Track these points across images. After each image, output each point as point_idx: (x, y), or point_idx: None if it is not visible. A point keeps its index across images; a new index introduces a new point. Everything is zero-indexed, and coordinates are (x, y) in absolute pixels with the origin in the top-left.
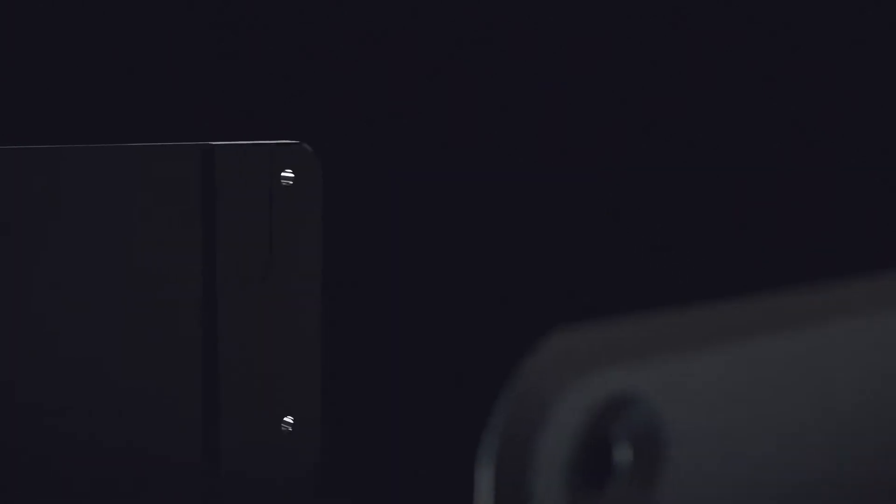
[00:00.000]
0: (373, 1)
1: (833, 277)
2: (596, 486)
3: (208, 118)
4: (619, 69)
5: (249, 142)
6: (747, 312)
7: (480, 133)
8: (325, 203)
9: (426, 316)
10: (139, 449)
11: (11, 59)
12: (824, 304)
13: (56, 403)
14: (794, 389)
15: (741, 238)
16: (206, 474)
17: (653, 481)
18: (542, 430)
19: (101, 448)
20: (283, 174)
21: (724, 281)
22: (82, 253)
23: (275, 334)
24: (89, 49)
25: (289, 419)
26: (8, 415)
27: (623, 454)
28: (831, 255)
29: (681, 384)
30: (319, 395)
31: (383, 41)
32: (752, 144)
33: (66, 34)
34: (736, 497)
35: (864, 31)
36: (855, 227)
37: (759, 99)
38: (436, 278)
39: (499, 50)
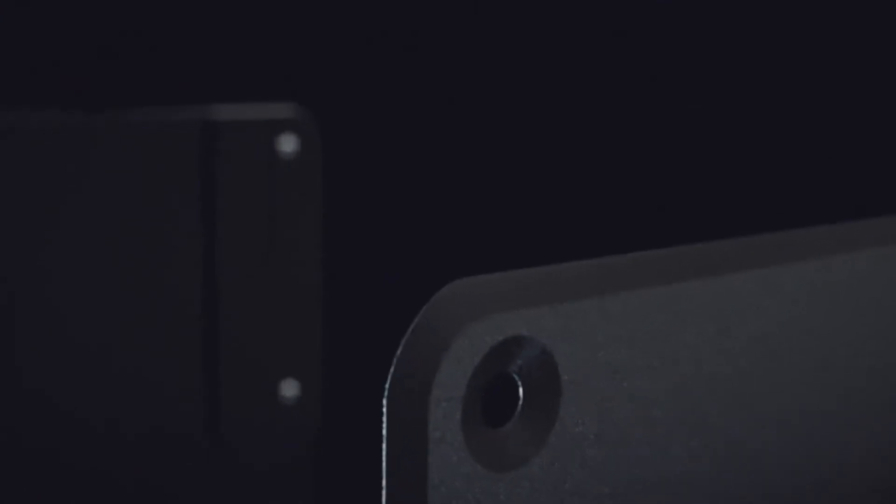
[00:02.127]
0: None
1: (741, 230)
2: (491, 423)
3: (197, 77)
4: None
5: (246, 104)
6: (646, 262)
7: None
8: (325, 170)
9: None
10: (139, 422)
11: None
12: (725, 254)
13: (54, 376)
14: (690, 335)
15: (645, 189)
16: (206, 445)
17: (546, 421)
18: (439, 369)
19: (99, 419)
20: (282, 139)
21: (627, 233)
22: (73, 227)
23: (275, 307)
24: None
25: (290, 394)
26: (5, 385)
27: (517, 394)
28: (738, 207)
29: (577, 329)
30: (320, 368)
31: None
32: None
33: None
34: (628, 438)
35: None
36: (759, 184)
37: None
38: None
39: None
